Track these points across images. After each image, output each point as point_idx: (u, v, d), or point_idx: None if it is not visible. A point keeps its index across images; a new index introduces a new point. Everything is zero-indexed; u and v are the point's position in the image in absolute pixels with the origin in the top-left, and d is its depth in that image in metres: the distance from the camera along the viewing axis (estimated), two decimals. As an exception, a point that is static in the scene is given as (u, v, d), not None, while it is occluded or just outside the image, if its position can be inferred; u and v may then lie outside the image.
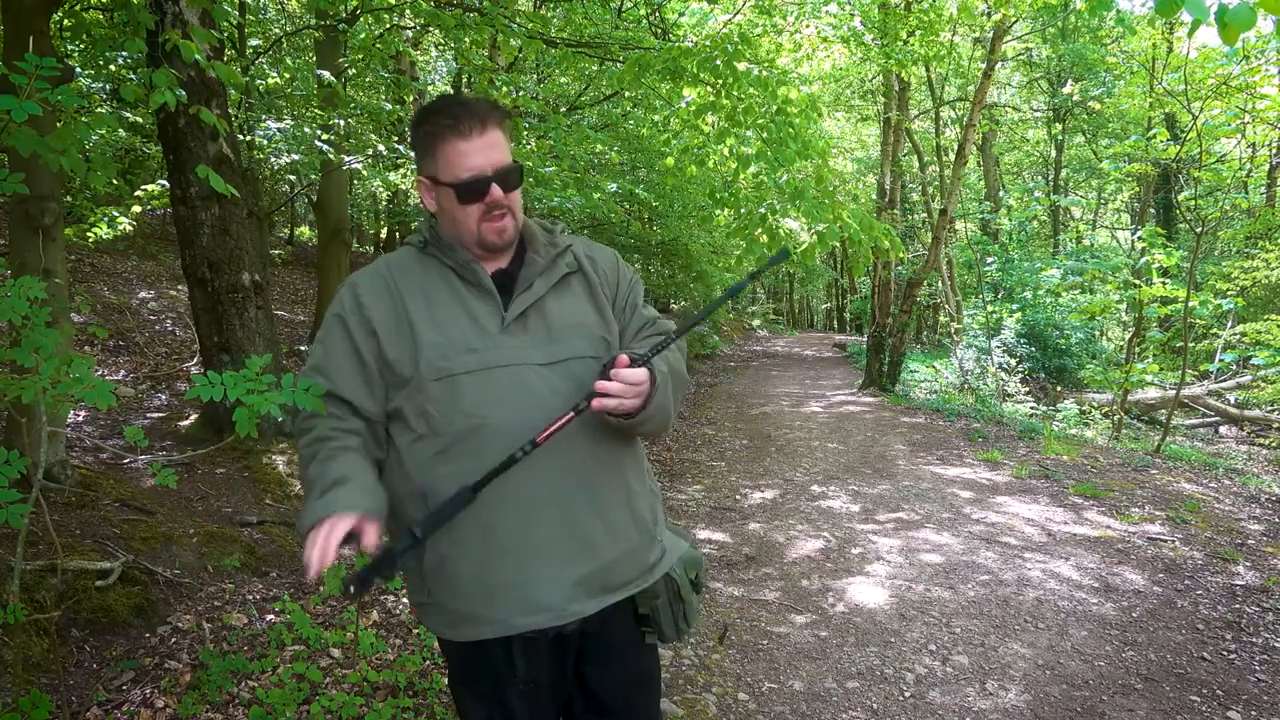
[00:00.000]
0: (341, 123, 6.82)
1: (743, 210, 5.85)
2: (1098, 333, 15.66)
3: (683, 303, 18.44)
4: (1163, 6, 2.35)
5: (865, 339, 14.94)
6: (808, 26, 9.95)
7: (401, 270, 1.46)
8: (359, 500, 1.29)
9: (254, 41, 7.63)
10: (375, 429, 1.44)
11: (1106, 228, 26.71)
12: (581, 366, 1.40)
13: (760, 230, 5.56)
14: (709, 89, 5.50)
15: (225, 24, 4.96)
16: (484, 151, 1.38)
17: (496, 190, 1.39)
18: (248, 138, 6.47)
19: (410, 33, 7.68)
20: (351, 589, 1.26)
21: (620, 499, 1.46)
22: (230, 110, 4.83)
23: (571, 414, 1.31)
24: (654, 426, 1.41)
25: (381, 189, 9.64)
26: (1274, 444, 9.99)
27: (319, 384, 1.44)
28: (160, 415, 5.27)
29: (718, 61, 5.16)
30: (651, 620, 1.51)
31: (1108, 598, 3.81)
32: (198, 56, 2.98)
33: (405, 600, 3.53)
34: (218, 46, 4.37)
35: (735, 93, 5.30)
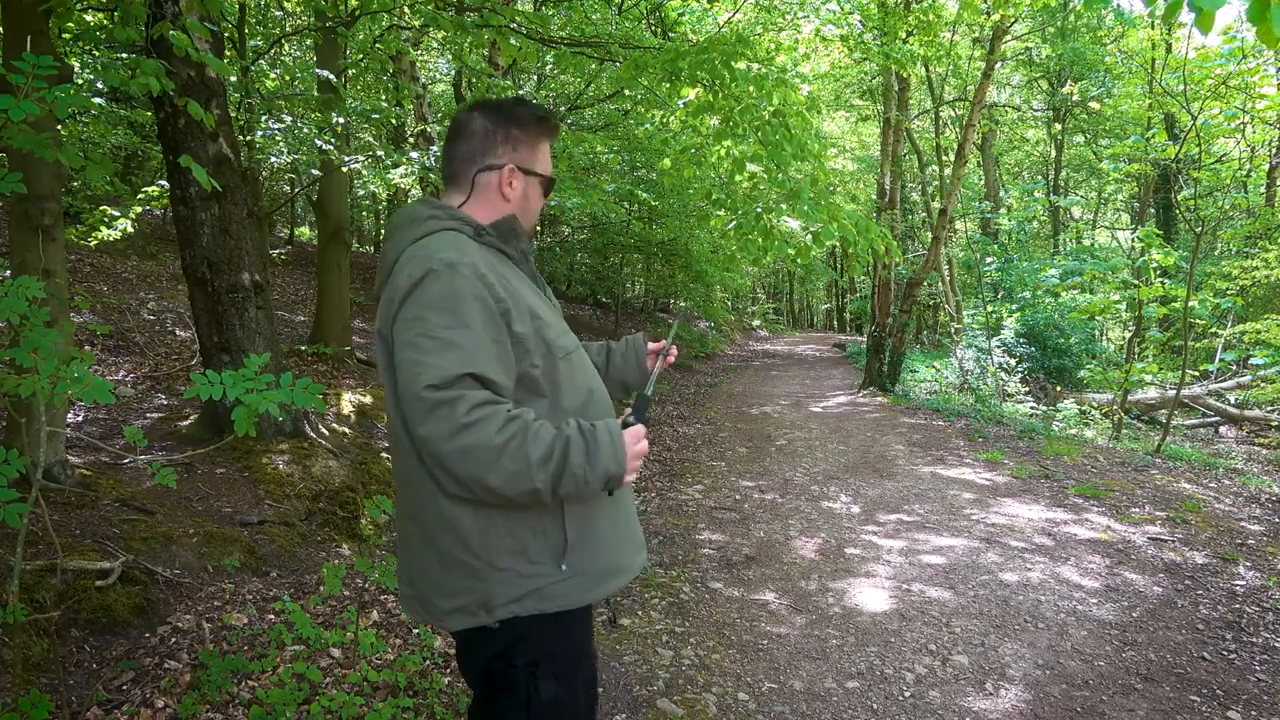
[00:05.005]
0: (341, 121, 6.81)
1: (739, 211, 5.84)
2: (1097, 333, 15.67)
3: (683, 303, 18.45)
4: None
5: (865, 339, 14.94)
6: (807, 25, 9.93)
7: (483, 253, 1.46)
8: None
9: (254, 42, 7.62)
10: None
11: (1106, 228, 26.68)
12: None
13: (755, 231, 5.55)
14: (706, 90, 5.48)
15: (225, 24, 4.95)
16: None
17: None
18: (248, 138, 6.46)
19: (409, 33, 7.66)
20: (640, 412, 1.55)
21: None
22: (231, 111, 4.82)
23: (663, 362, 1.74)
24: None
25: (381, 189, 9.63)
26: (1274, 444, 9.99)
27: (464, 369, 1.32)
28: (160, 415, 5.26)
29: (715, 61, 5.14)
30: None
31: (1108, 598, 3.81)
32: (189, 49, 2.98)
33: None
34: (216, 43, 4.36)
35: (734, 90, 5.28)
